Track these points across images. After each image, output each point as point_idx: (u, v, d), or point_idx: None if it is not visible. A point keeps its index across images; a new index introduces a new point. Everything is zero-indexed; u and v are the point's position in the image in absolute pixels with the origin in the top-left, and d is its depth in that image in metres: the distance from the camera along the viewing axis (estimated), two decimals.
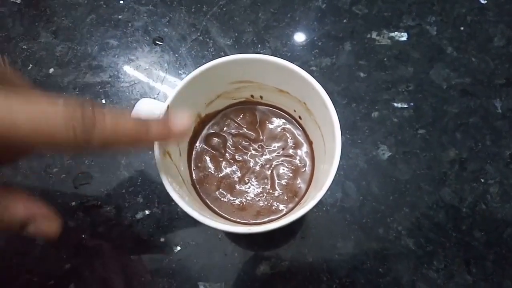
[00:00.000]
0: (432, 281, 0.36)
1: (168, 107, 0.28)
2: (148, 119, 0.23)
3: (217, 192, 0.33)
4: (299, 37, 0.45)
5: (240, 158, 0.34)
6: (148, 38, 0.46)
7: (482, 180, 0.39)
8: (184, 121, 0.24)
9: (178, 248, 0.37)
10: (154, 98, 0.43)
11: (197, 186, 0.33)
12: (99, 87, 0.44)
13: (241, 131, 0.35)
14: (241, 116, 0.35)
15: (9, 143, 0.19)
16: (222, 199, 0.33)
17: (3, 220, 0.21)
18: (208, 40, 0.46)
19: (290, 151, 0.34)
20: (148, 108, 0.29)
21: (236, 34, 0.46)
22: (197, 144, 0.34)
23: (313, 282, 0.36)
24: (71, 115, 0.19)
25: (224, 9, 0.47)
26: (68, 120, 0.19)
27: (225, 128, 0.35)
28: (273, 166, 0.34)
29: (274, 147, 0.34)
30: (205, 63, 0.29)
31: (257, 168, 0.34)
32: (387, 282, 0.36)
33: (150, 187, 0.39)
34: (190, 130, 0.25)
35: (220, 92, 0.33)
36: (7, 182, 0.40)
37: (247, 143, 0.34)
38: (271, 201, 0.33)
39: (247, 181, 0.33)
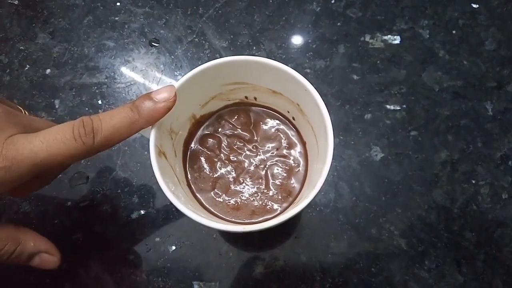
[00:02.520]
0: (424, 281, 0.36)
1: None
2: (137, 103, 0.26)
3: (212, 192, 0.33)
4: (294, 40, 0.46)
5: (235, 159, 0.34)
6: (144, 40, 0.47)
7: (473, 182, 0.40)
8: (166, 94, 0.27)
9: (173, 247, 0.38)
10: None
11: (192, 187, 0.33)
12: (96, 88, 0.44)
13: (235, 132, 0.35)
14: (236, 117, 0.36)
15: (35, 174, 0.25)
16: (217, 199, 0.33)
17: (15, 252, 0.27)
18: (204, 42, 0.46)
19: (284, 152, 0.34)
20: None
21: (232, 37, 0.46)
22: (192, 145, 0.35)
23: (306, 281, 0.37)
24: (74, 128, 0.25)
25: (220, 11, 0.48)
26: (73, 133, 0.25)
27: (219, 129, 0.35)
28: (267, 166, 0.34)
29: (268, 147, 0.35)
30: (200, 65, 0.30)
31: (252, 168, 0.34)
32: (379, 281, 0.36)
33: (146, 187, 0.40)
34: (174, 99, 0.27)
35: (214, 93, 0.34)
36: None
37: (242, 144, 0.35)
38: (265, 200, 0.33)
39: (241, 181, 0.34)
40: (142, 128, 0.27)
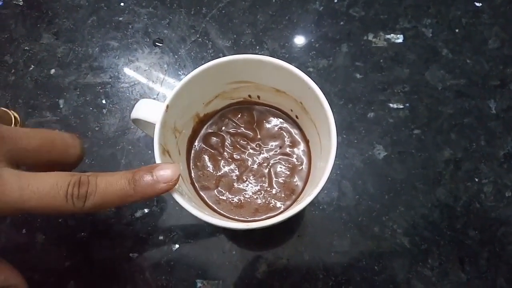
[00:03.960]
0: (427, 279, 0.36)
1: (167, 107, 0.29)
2: (136, 177, 0.26)
3: (215, 191, 0.33)
4: (297, 39, 0.46)
5: (238, 157, 0.34)
6: (148, 40, 0.47)
7: (477, 180, 0.40)
8: (169, 174, 0.26)
9: (177, 246, 0.38)
10: (154, 99, 0.44)
11: (196, 185, 0.34)
12: (100, 87, 0.44)
13: (239, 131, 0.35)
14: (239, 115, 0.36)
15: (17, 214, 0.25)
16: (220, 197, 0.33)
17: None
18: (207, 41, 0.46)
19: (287, 150, 0.35)
20: (147, 108, 0.29)
21: (235, 36, 0.46)
22: (196, 143, 0.35)
23: (309, 279, 0.37)
24: (69, 187, 0.24)
25: (223, 11, 0.48)
26: (66, 192, 0.24)
27: (223, 128, 0.36)
28: (270, 164, 0.34)
29: (272, 145, 0.35)
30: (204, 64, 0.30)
31: (255, 166, 0.34)
32: (383, 279, 0.37)
33: None
34: (176, 181, 0.26)
35: (218, 92, 0.34)
36: None
37: (245, 142, 0.35)
38: (268, 198, 0.33)
39: (245, 179, 0.34)
40: (135, 202, 0.27)
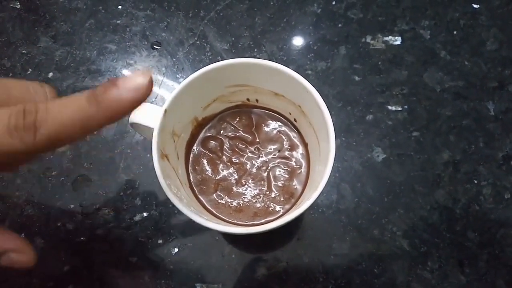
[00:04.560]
0: (427, 282, 0.36)
1: (165, 111, 0.29)
2: (97, 92, 0.19)
3: (214, 194, 0.33)
4: (295, 42, 0.46)
5: (237, 161, 0.34)
6: (146, 43, 0.47)
7: (475, 182, 0.40)
8: (138, 80, 0.20)
9: (176, 249, 0.38)
10: (152, 102, 0.44)
11: (195, 189, 0.34)
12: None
13: (237, 134, 0.35)
14: (238, 119, 0.36)
15: None
16: (219, 201, 0.33)
17: None
18: (205, 44, 0.46)
19: (286, 153, 0.35)
20: (145, 113, 0.29)
21: (233, 39, 0.46)
22: (195, 147, 0.35)
23: (309, 282, 0.37)
24: (11, 118, 0.19)
25: (221, 14, 0.48)
26: (8, 122, 0.19)
27: (222, 131, 0.36)
28: (269, 168, 0.34)
29: (270, 149, 0.35)
30: (202, 67, 0.30)
31: (254, 170, 0.34)
32: (382, 282, 0.36)
33: (148, 189, 0.40)
34: (148, 89, 0.20)
35: (216, 96, 0.34)
36: (7, 186, 0.40)
37: (244, 146, 0.35)
38: (268, 202, 0.33)
39: (244, 183, 0.34)
40: (101, 125, 0.20)
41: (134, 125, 0.31)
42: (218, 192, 0.33)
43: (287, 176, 0.34)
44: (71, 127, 0.19)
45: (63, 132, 0.19)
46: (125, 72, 0.45)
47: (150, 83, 0.20)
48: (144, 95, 0.20)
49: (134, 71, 0.21)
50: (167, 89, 0.44)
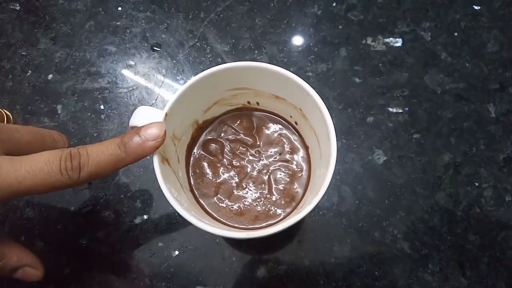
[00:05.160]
0: (428, 284, 0.36)
1: (166, 114, 0.29)
2: (125, 140, 0.26)
3: (215, 198, 0.33)
4: (295, 43, 0.46)
5: (238, 164, 0.34)
6: (146, 44, 0.47)
7: (476, 184, 0.40)
8: (155, 131, 0.27)
9: (176, 252, 0.38)
10: (152, 104, 0.43)
11: (195, 192, 0.34)
12: (98, 93, 0.44)
13: (238, 137, 0.35)
14: (238, 122, 0.36)
15: (11, 197, 0.25)
16: (220, 204, 0.33)
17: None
18: (205, 46, 0.46)
19: (287, 156, 0.34)
20: (145, 115, 0.29)
21: (233, 40, 0.46)
22: (195, 150, 0.35)
23: (310, 285, 0.36)
24: (61, 161, 0.25)
25: (221, 15, 0.48)
26: (60, 166, 0.25)
27: (222, 134, 0.35)
28: (270, 171, 0.34)
29: (271, 152, 0.35)
30: (202, 69, 0.30)
31: (255, 173, 0.34)
32: (383, 285, 0.36)
33: (148, 192, 0.40)
34: (163, 138, 0.27)
35: (217, 99, 0.34)
36: None
37: (244, 149, 0.35)
38: (268, 205, 0.33)
39: (244, 186, 0.34)
40: (128, 165, 0.27)
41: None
42: (218, 195, 0.33)
43: (288, 179, 0.34)
44: (105, 167, 0.26)
45: (99, 171, 0.26)
46: (126, 74, 0.45)
47: (164, 134, 0.27)
48: (160, 143, 0.27)
49: (152, 124, 0.27)
50: (167, 91, 0.44)
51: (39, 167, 0.25)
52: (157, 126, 0.27)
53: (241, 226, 0.32)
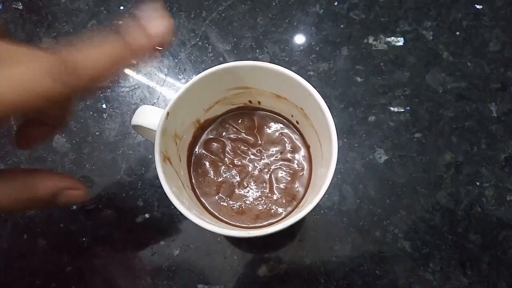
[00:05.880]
0: (428, 283, 0.36)
1: (167, 114, 0.29)
2: (128, 37, 0.22)
3: (216, 197, 0.33)
4: (297, 42, 0.46)
5: (239, 163, 0.34)
6: None
7: (478, 183, 0.40)
8: (160, 22, 0.22)
9: (178, 251, 0.38)
10: (154, 103, 0.44)
11: (197, 191, 0.34)
12: (100, 92, 0.44)
13: (239, 136, 0.35)
14: (240, 121, 0.36)
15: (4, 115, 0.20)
16: (221, 203, 0.33)
17: (36, 198, 0.23)
18: (207, 45, 0.46)
19: (288, 155, 0.35)
20: (148, 115, 0.29)
21: (235, 40, 0.46)
22: (197, 149, 0.35)
23: (310, 284, 0.37)
24: (51, 64, 0.20)
25: (223, 14, 0.48)
26: (50, 70, 0.19)
27: (224, 133, 0.36)
28: (271, 170, 0.34)
29: (272, 151, 0.35)
30: (204, 68, 0.30)
31: (256, 172, 0.34)
32: (384, 284, 0.37)
33: (150, 190, 0.40)
34: (170, 29, 0.22)
35: (218, 98, 0.34)
36: None
37: (246, 148, 0.35)
38: (270, 204, 0.33)
39: (246, 185, 0.34)
40: (129, 63, 0.23)
41: (136, 128, 0.31)
42: (220, 194, 0.33)
43: (289, 179, 0.34)
44: (105, 66, 0.21)
45: (98, 71, 0.21)
46: (127, 71, 0.45)
47: (172, 26, 0.22)
48: (169, 38, 0.22)
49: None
50: (169, 90, 0.44)
51: (28, 76, 0.19)
52: (161, 16, 0.22)
53: (242, 225, 0.32)
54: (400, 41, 0.46)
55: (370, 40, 0.46)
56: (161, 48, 0.23)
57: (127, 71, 0.45)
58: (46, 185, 0.24)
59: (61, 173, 0.25)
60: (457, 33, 0.46)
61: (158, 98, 0.44)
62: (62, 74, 0.20)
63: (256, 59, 0.45)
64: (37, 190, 0.24)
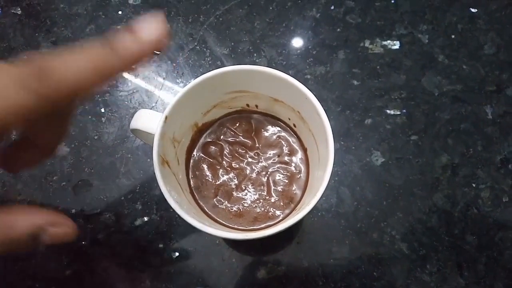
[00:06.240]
0: (426, 285, 0.37)
1: (166, 118, 0.29)
2: (113, 39, 0.19)
3: (214, 199, 0.34)
4: (294, 46, 0.46)
5: (237, 166, 0.35)
6: None
7: (474, 185, 0.40)
8: (153, 26, 0.20)
9: (177, 254, 0.38)
10: (152, 107, 0.44)
11: (195, 194, 0.34)
12: (98, 96, 0.45)
13: (237, 139, 0.36)
14: (237, 124, 0.36)
15: None
16: (219, 206, 0.33)
17: (12, 240, 0.19)
18: (205, 49, 0.47)
19: (286, 158, 0.35)
20: (146, 119, 0.30)
21: (233, 44, 0.47)
22: (195, 153, 0.35)
23: (309, 286, 0.37)
24: (23, 74, 0.17)
25: (221, 19, 0.48)
26: (22, 81, 0.17)
27: (221, 137, 0.36)
28: (269, 173, 0.34)
29: (270, 154, 0.35)
30: (202, 72, 0.30)
31: (254, 175, 0.34)
32: (381, 285, 0.37)
33: (149, 194, 0.40)
34: (165, 36, 0.20)
35: (216, 101, 0.34)
36: (8, 191, 0.41)
37: (244, 151, 0.35)
38: (267, 207, 0.33)
39: (244, 188, 0.34)
40: (118, 73, 0.20)
41: (135, 131, 0.31)
42: (218, 197, 0.34)
43: (286, 181, 0.34)
44: (87, 75, 0.18)
45: (79, 81, 0.18)
46: (125, 75, 0.46)
47: (166, 30, 0.20)
48: (164, 44, 0.20)
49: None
50: (167, 94, 0.45)
51: None
52: (155, 20, 0.20)
53: (240, 228, 0.33)
54: (396, 45, 0.46)
55: (367, 43, 0.46)
56: (158, 53, 0.20)
57: (125, 75, 0.46)
58: (24, 223, 0.20)
59: (43, 208, 0.21)
60: (453, 36, 0.46)
61: (156, 102, 0.44)
62: (36, 84, 0.17)
63: (254, 63, 0.45)
64: (14, 230, 0.19)
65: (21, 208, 0.20)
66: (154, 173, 0.28)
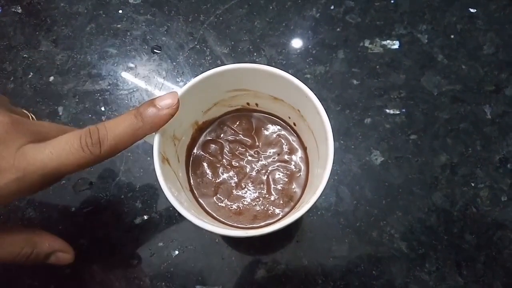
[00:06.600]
0: (425, 283, 0.37)
1: None
2: (141, 110, 0.27)
3: (214, 198, 0.34)
4: (294, 46, 0.46)
5: (237, 164, 0.35)
6: (146, 47, 0.47)
7: (473, 184, 0.40)
8: (169, 100, 0.28)
9: (176, 252, 0.38)
10: None
11: (195, 192, 0.34)
12: (98, 95, 0.45)
13: (237, 138, 0.36)
14: (238, 123, 0.36)
15: (42, 180, 0.26)
16: (219, 204, 0.34)
17: (32, 254, 0.29)
18: (205, 48, 0.47)
19: (285, 157, 0.35)
20: None
21: (233, 43, 0.47)
22: (195, 151, 0.35)
23: (308, 285, 0.37)
24: (81, 138, 0.26)
25: (221, 18, 0.48)
26: (80, 143, 0.26)
27: (222, 135, 0.36)
28: (269, 171, 0.34)
29: (270, 153, 0.35)
30: (202, 71, 0.30)
31: (254, 173, 0.34)
32: (381, 284, 0.37)
33: (149, 192, 0.40)
34: (177, 105, 0.28)
35: (217, 100, 0.34)
36: None
37: (244, 149, 0.35)
38: (267, 205, 0.33)
39: (243, 186, 0.34)
40: (146, 134, 0.28)
41: None
42: (218, 195, 0.34)
43: (286, 180, 0.34)
44: (124, 138, 0.27)
45: (120, 142, 0.27)
46: (126, 76, 0.46)
47: (178, 102, 0.28)
48: (175, 110, 0.28)
49: (165, 94, 0.28)
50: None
51: (61, 147, 0.26)
52: (171, 96, 0.28)
53: (240, 226, 0.33)
54: (395, 44, 0.46)
55: (366, 43, 0.46)
56: (172, 115, 0.28)
57: (125, 74, 0.46)
58: (44, 244, 0.30)
59: (54, 236, 0.31)
60: (452, 36, 0.46)
61: None
62: (89, 145, 0.26)
63: (254, 62, 0.46)
64: (37, 248, 0.29)
65: (41, 232, 0.30)
66: (154, 172, 0.28)
